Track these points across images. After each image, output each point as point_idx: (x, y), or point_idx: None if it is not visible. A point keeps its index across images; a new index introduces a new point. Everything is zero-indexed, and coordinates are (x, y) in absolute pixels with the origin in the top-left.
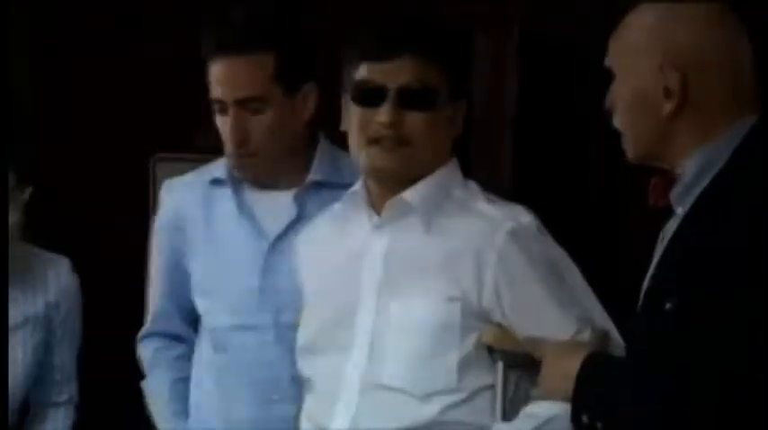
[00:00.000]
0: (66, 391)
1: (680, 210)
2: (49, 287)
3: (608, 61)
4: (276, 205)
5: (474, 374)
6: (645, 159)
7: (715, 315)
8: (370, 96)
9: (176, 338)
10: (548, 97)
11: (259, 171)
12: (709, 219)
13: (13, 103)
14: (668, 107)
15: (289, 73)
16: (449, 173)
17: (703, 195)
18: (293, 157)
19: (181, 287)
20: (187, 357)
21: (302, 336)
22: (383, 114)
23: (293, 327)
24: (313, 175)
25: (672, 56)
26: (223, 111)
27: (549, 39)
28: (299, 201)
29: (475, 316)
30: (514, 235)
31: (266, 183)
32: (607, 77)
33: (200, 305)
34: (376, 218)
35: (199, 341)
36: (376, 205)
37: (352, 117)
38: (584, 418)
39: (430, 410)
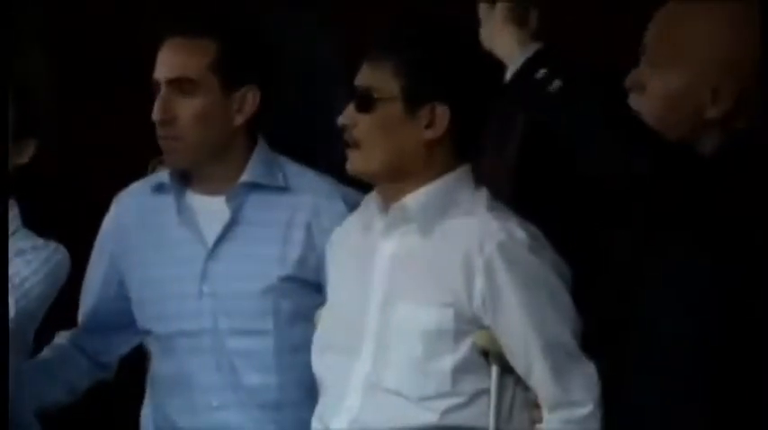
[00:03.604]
0: None
1: None
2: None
3: (649, 41)
4: (215, 210)
5: (471, 378)
6: None
7: None
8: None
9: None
10: None
11: (184, 158)
12: None
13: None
14: (713, 111)
15: (229, 66)
16: (454, 179)
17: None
18: (230, 160)
19: (113, 302)
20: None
21: (317, 336)
22: (341, 115)
23: (232, 333)
24: (244, 177)
25: (732, 64)
26: (157, 92)
27: None
28: (233, 204)
29: (468, 321)
30: (502, 248)
31: (205, 186)
32: None
33: (140, 314)
34: (384, 222)
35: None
36: (388, 209)
37: None
38: (540, 72)
39: (428, 414)
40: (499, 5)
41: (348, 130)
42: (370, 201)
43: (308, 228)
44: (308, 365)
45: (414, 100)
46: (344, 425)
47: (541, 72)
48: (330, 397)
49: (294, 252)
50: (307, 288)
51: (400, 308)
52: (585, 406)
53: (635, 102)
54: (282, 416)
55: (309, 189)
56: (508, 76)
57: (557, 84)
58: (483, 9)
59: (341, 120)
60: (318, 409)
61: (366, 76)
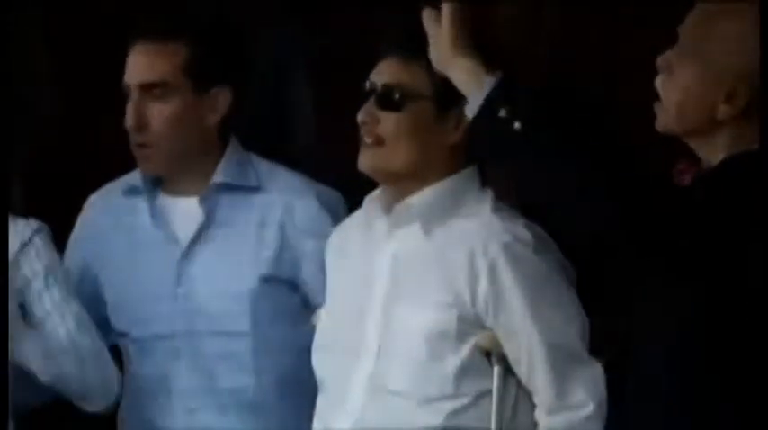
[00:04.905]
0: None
1: None
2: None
3: (684, 28)
4: (188, 211)
5: (475, 379)
6: (672, 134)
7: None
8: (365, 94)
9: None
10: None
11: (159, 164)
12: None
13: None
14: (725, 111)
15: (200, 68)
16: (461, 180)
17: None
18: (203, 160)
19: (87, 304)
20: None
21: (318, 336)
22: (361, 111)
23: (208, 336)
24: (217, 178)
25: (748, 70)
26: (129, 96)
27: None
28: (207, 206)
29: (470, 322)
30: (508, 249)
31: (177, 187)
32: None
33: (115, 318)
34: (388, 222)
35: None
36: (392, 209)
37: None
38: (502, 112)
39: (432, 416)
40: (444, 33)
41: (368, 127)
42: (372, 200)
43: (281, 226)
44: (287, 366)
45: (445, 101)
46: (347, 425)
47: (501, 112)
48: (331, 397)
49: (268, 252)
50: (283, 287)
51: (403, 309)
52: (586, 407)
53: (660, 83)
54: (262, 417)
55: (281, 187)
56: (468, 113)
57: (517, 125)
58: (428, 19)
59: (360, 116)
60: (319, 409)
61: (394, 73)
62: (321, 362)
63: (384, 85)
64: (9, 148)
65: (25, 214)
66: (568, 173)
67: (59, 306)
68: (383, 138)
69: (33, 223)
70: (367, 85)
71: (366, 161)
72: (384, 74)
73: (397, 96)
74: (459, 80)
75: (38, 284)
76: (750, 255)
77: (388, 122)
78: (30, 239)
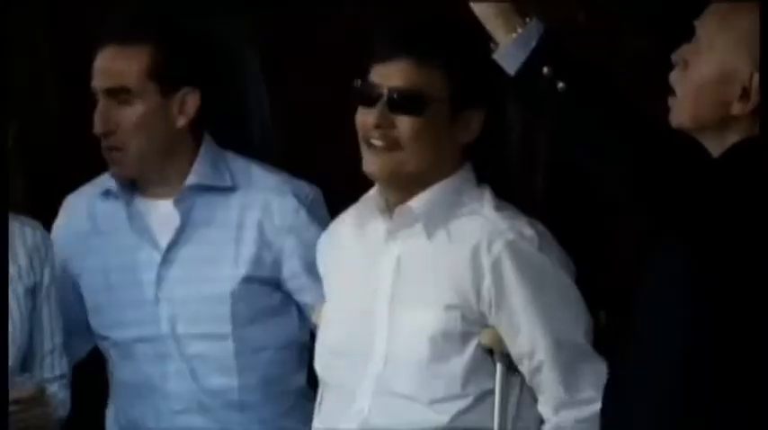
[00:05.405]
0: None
1: None
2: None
3: (701, 24)
4: (165, 214)
5: (479, 379)
6: (686, 129)
7: None
8: (366, 97)
9: None
10: None
11: (130, 167)
12: None
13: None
14: (739, 107)
15: (165, 71)
16: (459, 179)
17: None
18: (176, 162)
19: (68, 306)
20: None
21: (322, 339)
22: (371, 115)
23: (190, 338)
24: (191, 179)
25: (757, 63)
26: (97, 100)
27: None
28: (182, 208)
29: (474, 321)
30: (511, 248)
31: (153, 190)
32: None
33: (95, 321)
34: (388, 225)
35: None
36: (391, 211)
37: (356, 118)
38: (546, 70)
39: (438, 416)
40: None
41: (381, 131)
42: (368, 200)
43: (260, 226)
44: (269, 364)
45: (459, 103)
46: (354, 426)
47: (545, 70)
48: (337, 399)
49: (247, 252)
50: (264, 286)
51: (408, 311)
52: (595, 403)
53: (675, 78)
54: (246, 416)
55: (258, 186)
56: (498, 58)
57: (561, 86)
58: None
59: (370, 119)
60: (323, 411)
61: (410, 77)
62: (326, 365)
63: (397, 89)
64: (9, 148)
65: (25, 214)
66: (605, 133)
67: (50, 323)
68: (400, 142)
69: (37, 225)
70: (367, 85)
71: (377, 165)
72: (396, 77)
73: (414, 100)
74: (487, 24)
75: (41, 295)
76: (756, 245)
77: (406, 126)
78: (42, 243)
